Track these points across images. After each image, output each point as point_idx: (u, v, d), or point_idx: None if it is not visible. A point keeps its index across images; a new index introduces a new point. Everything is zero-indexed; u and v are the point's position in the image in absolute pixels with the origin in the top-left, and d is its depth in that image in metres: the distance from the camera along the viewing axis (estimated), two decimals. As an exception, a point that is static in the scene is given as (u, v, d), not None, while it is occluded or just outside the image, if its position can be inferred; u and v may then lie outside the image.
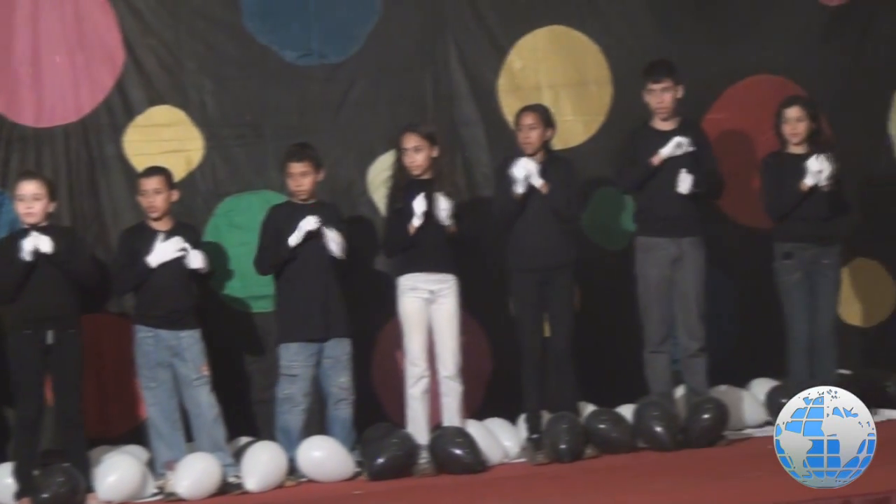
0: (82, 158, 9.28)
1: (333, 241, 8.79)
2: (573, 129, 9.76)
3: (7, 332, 8.39)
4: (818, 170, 8.86)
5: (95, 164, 9.32)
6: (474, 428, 8.88)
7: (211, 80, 9.49)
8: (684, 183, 8.87)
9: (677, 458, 8.55)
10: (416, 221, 8.77)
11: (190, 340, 8.67)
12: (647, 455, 8.69)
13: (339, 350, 8.83)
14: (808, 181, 8.85)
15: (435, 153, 8.91)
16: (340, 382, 8.83)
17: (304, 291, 8.86)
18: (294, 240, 8.74)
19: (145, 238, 8.70)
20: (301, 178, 8.89)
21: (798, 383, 8.81)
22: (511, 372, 9.34)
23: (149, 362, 8.64)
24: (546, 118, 9.02)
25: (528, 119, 8.96)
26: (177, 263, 8.70)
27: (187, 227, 8.91)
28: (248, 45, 9.53)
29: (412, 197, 8.85)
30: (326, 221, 8.88)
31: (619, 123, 9.68)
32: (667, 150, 8.90)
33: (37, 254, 8.32)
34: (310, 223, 8.69)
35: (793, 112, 9.06)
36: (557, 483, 8.06)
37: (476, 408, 9.33)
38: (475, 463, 8.53)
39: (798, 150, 9.05)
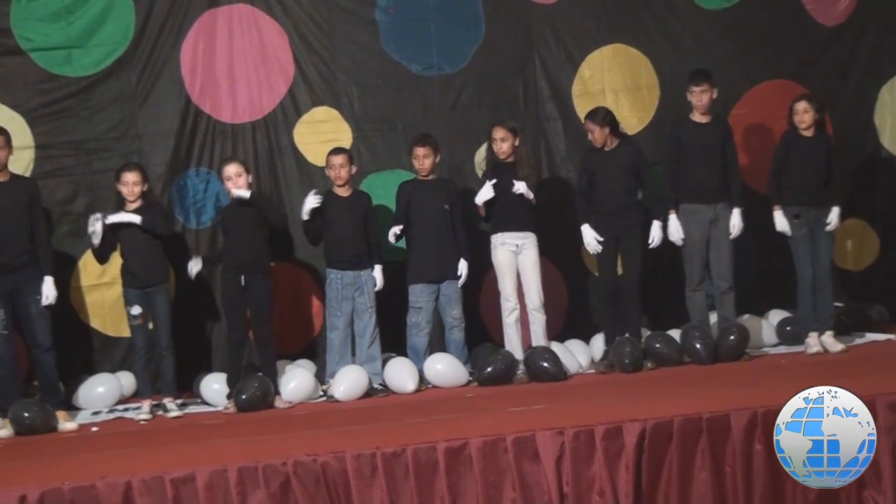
0: (264, 147, 10.25)
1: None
2: (630, 122, 10.57)
3: (220, 276, 9.37)
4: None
5: (274, 151, 10.27)
6: (557, 347, 9.67)
7: (357, 87, 10.44)
8: None
9: (712, 369, 9.24)
10: (485, 196, 9.48)
11: (367, 277, 9.54)
12: (690, 367, 9.44)
13: (451, 289, 9.72)
14: None
15: (517, 142, 9.65)
16: (453, 314, 9.76)
17: (426, 246, 9.71)
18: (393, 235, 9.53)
19: (332, 202, 9.50)
20: (424, 159, 9.74)
21: (804, 313, 9.75)
22: (584, 304, 10.39)
23: (336, 297, 9.48)
24: (604, 119, 9.65)
25: (591, 125, 9.75)
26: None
27: (363, 193, 9.77)
28: (385, 61, 10.48)
29: (501, 175, 9.54)
30: (445, 195, 9.64)
31: (665, 118, 10.49)
32: None
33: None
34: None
35: (800, 105, 9.76)
36: (623, 388, 8.68)
37: (557, 332, 10.16)
38: (559, 373, 9.30)
39: (807, 133, 9.71)
